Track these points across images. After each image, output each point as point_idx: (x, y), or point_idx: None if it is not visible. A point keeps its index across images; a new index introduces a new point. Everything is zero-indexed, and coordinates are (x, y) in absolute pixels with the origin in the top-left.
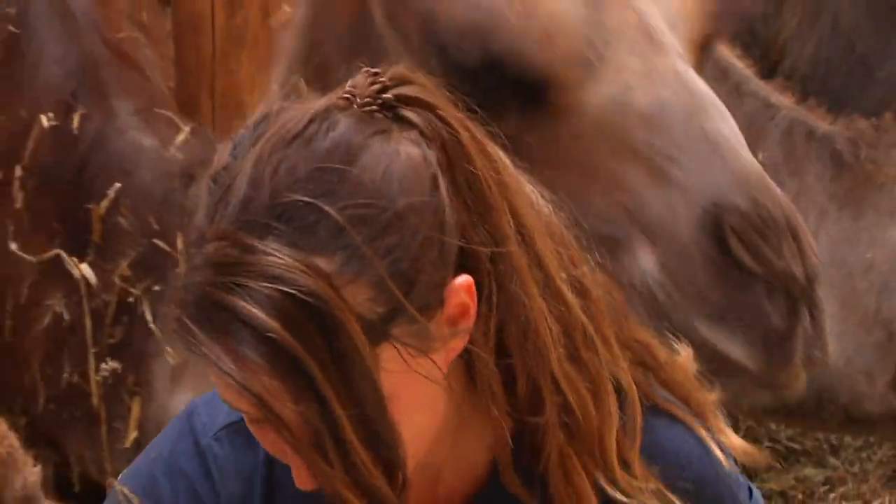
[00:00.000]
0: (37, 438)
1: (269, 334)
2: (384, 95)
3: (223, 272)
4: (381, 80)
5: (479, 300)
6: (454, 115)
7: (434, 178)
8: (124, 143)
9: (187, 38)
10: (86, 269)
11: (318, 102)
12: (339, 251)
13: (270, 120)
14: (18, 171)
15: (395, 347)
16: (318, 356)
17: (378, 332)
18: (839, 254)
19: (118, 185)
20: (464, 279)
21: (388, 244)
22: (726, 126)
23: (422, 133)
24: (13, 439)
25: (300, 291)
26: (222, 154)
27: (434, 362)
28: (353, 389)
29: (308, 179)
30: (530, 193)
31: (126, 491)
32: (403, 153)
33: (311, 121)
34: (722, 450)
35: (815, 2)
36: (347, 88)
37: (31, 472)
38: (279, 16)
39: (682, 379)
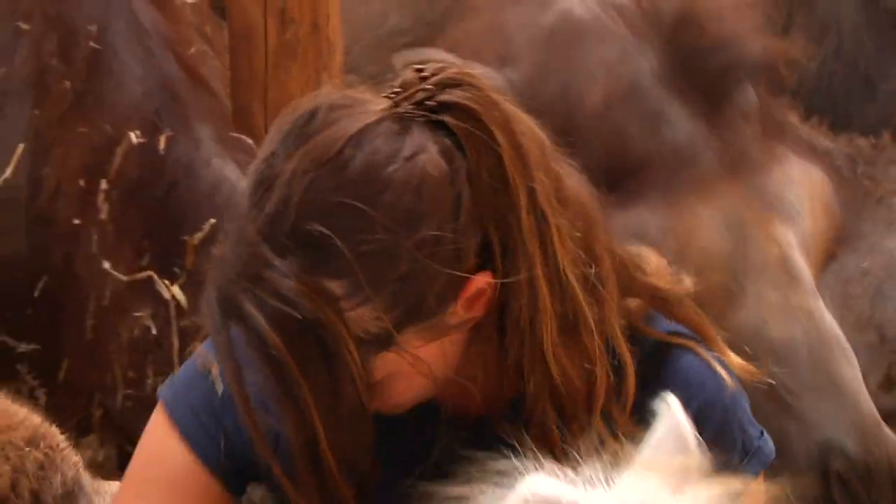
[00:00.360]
0: (113, 429)
1: (268, 346)
2: (427, 103)
3: (245, 277)
4: (427, 86)
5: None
6: (498, 120)
7: (458, 200)
8: (210, 173)
9: (241, 51)
10: (177, 291)
11: (362, 109)
12: (351, 279)
13: (318, 119)
14: (104, 185)
15: (402, 348)
16: (312, 379)
17: (384, 342)
18: (837, 261)
19: (213, 220)
20: (482, 276)
21: (401, 272)
22: (849, 369)
23: (458, 142)
24: (53, 437)
25: (304, 316)
26: (273, 137)
27: (437, 353)
28: (340, 415)
29: (330, 211)
30: (568, 186)
31: (203, 354)
32: (430, 179)
33: (345, 144)
34: (725, 369)
35: (821, 22)
36: (395, 90)
37: (69, 468)
38: None
39: (689, 310)
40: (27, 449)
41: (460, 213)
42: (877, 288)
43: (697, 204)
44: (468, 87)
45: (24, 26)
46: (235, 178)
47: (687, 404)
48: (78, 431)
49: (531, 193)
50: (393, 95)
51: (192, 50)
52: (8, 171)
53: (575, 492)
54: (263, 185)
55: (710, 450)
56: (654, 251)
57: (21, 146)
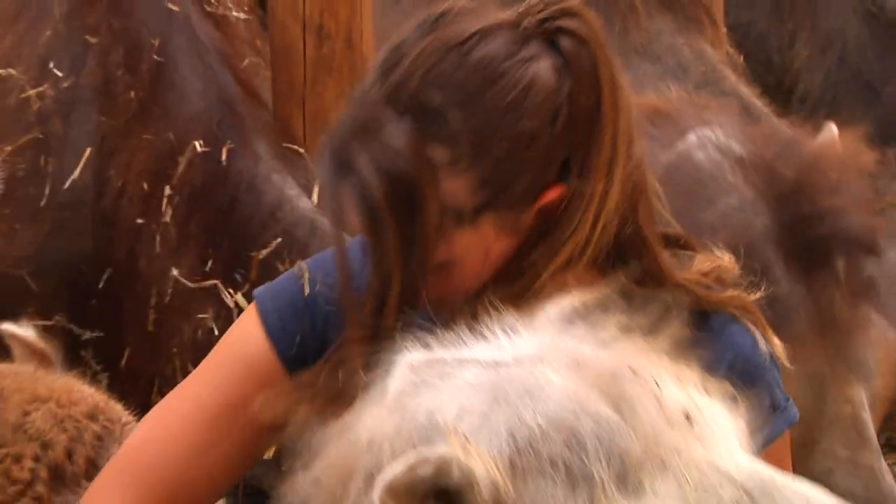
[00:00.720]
0: None
1: (371, 193)
2: (547, 25)
3: (363, 132)
4: (551, 8)
5: None
6: (605, 57)
7: (557, 111)
8: (271, 189)
9: (281, 66)
10: (241, 299)
11: (490, 16)
12: (455, 148)
13: (448, 18)
14: (167, 190)
15: (481, 231)
16: (400, 230)
17: (469, 216)
18: None
19: (279, 240)
20: (558, 188)
21: (498, 155)
22: None
23: (568, 64)
24: (113, 412)
25: (407, 172)
26: (405, 29)
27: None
28: (413, 264)
29: (450, 85)
30: (638, 147)
31: (303, 266)
32: (539, 83)
33: (471, 35)
34: (765, 340)
35: (825, 35)
36: (521, 9)
37: None
38: None
39: (737, 295)
40: (85, 422)
41: (556, 124)
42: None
43: (789, 361)
44: (585, 22)
45: (92, 40)
46: (296, 196)
47: (721, 357)
48: (136, 413)
49: (615, 132)
50: (517, 14)
51: (245, 63)
52: (76, 173)
53: (455, 350)
54: (391, 62)
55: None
56: (729, 254)
57: (88, 150)
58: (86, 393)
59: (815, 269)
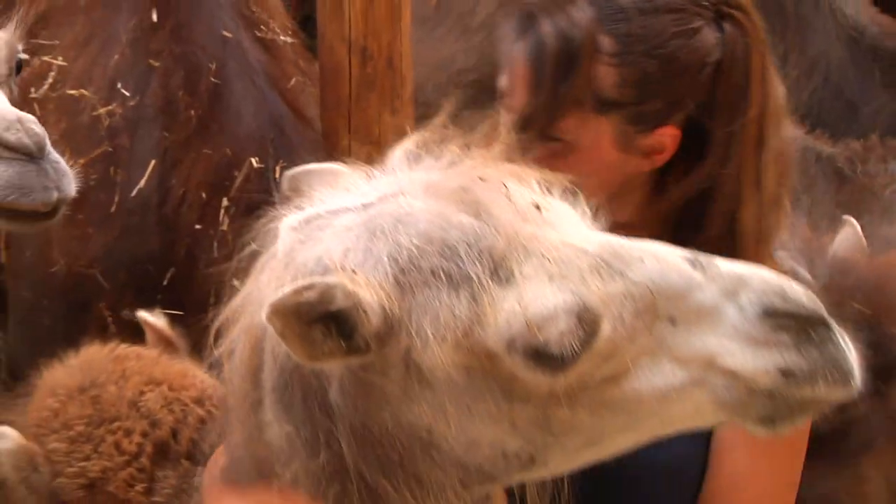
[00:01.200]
0: None
1: (545, 49)
2: (721, 7)
3: (554, 5)
4: None
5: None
6: (759, 51)
7: (703, 66)
8: None
9: (329, 83)
10: None
11: None
12: (620, 44)
13: None
14: (225, 201)
15: (604, 126)
16: (555, 78)
17: (603, 106)
18: None
19: None
20: (675, 130)
21: (647, 68)
22: None
23: (724, 40)
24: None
25: (578, 43)
26: None
27: (615, 156)
28: (553, 105)
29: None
30: (768, 140)
31: None
32: (701, 35)
33: None
34: None
35: (811, 59)
36: None
37: None
38: None
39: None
40: (192, 406)
41: (700, 74)
42: None
43: (867, 467)
44: (751, 19)
45: (155, 63)
46: None
47: None
48: None
49: (762, 112)
50: None
51: (292, 82)
52: (142, 182)
53: (325, 204)
54: None
55: None
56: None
57: (153, 162)
58: (198, 379)
59: (886, 386)
